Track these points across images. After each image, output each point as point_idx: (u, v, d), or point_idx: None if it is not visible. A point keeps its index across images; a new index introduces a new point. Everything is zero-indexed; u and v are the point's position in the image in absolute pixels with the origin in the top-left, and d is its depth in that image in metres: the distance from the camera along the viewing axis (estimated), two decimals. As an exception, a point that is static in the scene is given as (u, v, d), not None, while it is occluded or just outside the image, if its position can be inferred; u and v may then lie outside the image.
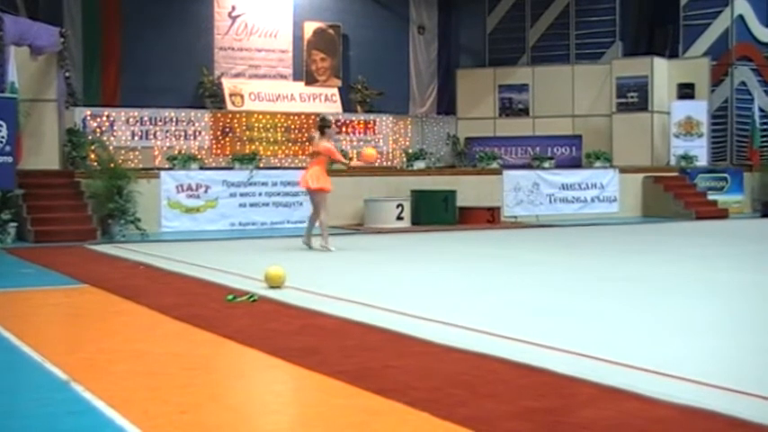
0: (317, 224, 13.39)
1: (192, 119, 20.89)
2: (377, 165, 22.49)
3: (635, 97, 23.42)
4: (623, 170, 21.69)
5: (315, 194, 13.22)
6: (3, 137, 15.00)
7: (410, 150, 22.06)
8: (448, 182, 19.71)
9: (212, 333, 6.74)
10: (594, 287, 9.39)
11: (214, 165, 20.07)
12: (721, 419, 4.33)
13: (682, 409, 4.49)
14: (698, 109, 23.17)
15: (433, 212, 18.58)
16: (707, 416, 4.38)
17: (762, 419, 4.26)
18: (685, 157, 22.47)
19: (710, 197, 21.90)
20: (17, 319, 7.65)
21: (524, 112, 25.01)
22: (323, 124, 13.60)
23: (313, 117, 21.97)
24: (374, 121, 23.16)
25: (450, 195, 18.92)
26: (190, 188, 17.53)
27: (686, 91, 23.47)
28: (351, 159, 13.79)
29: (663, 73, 23.66)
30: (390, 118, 23.52)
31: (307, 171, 13.52)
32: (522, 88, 25.04)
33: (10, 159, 15.14)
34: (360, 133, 22.84)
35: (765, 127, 23.72)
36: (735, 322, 7.20)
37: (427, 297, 8.61)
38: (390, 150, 23.29)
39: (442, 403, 4.65)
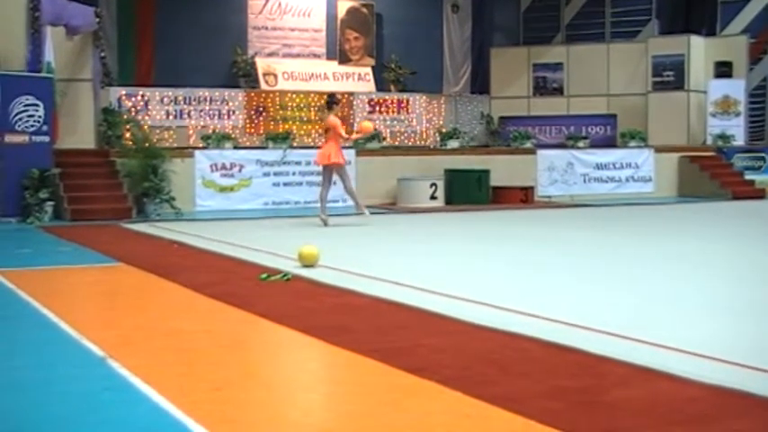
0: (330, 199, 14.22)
1: (226, 98, 20.96)
2: (411, 144, 22.51)
3: (671, 76, 23.18)
4: (658, 150, 21.50)
5: (330, 169, 13.94)
6: (39, 117, 15.16)
7: (443, 129, 22.02)
8: (481, 161, 19.65)
9: (246, 311, 6.79)
10: (627, 266, 9.34)
11: (248, 144, 20.16)
12: (753, 400, 4.31)
13: (714, 390, 4.47)
14: (735, 87, 22.88)
15: (467, 192, 18.53)
16: (739, 396, 4.37)
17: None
18: (722, 137, 22.22)
19: (747, 177, 21.64)
20: (55, 296, 7.75)
21: (559, 90, 24.84)
22: (330, 100, 14.40)
23: (346, 96, 22.02)
24: (407, 100, 23.11)
25: (483, 175, 18.87)
26: (224, 167, 17.61)
27: (723, 69, 23.18)
28: (350, 134, 14.65)
29: (700, 51, 23.38)
30: (424, 97, 23.46)
31: (321, 148, 14.30)
32: (557, 67, 24.86)
33: (47, 139, 15.32)
34: (393, 112, 22.80)
35: (804, 106, 23.43)
36: (764, 303, 7.15)
37: (459, 276, 8.61)
38: (424, 129, 23.25)
39: (474, 382, 4.67)
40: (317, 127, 21.62)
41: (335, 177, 14.13)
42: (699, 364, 4.94)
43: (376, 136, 19.97)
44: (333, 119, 13.95)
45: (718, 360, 5.04)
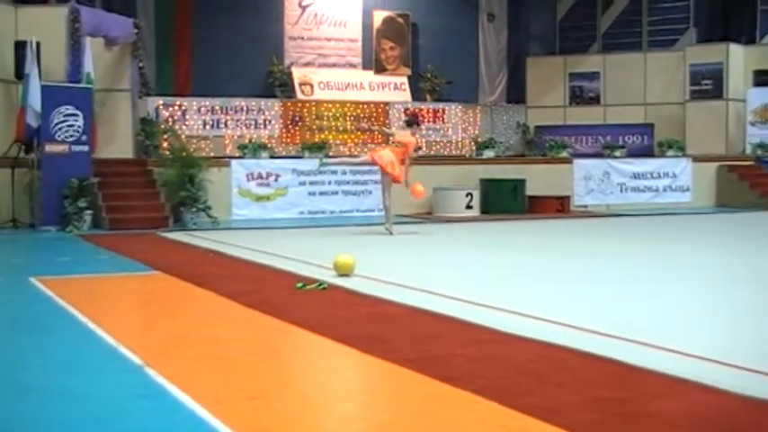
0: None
1: (263, 108, 21.09)
2: (447, 153, 22.47)
3: (709, 85, 23.00)
4: (696, 159, 21.32)
5: (384, 175, 13.98)
6: (79, 126, 15.33)
7: (479, 139, 21.98)
8: (517, 170, 19.60)
9: (281, 320, 6.80)
10: (666, 276, 9.26)
11: (284, 153, 20.24)
12: (795, 413, 4.25)
13: (753, 402, 4.41)
14: (775, 96, 22.64)
15: (503, 201, 18.49)
16: (780, 409, 4.31)
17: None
18: (762, 146, 22.00)
19: (787, 187, 21.39)
20: (92, 303, 7.82)
21: (595, 100, 24.73)
22: (412, 121, 14.82)
23: (382, 105, 22.06)
24: (443, 110, 23.12)
25: (519, 184, 18.81)
26: (260, 176, 17.70)
27: (763, 78, 22.96)
28: (400, 176, 14.01)
29: (739, 59, 23.18)
30: (459, 106, 23.45)
31: (380, 151, 14.35)
32: (593, 76, 24.76)
33: (86, 148, 15.48)
34: (429, 122, 22.80)
35: None
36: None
37: (494, 286, 8.58)
38: (460, 139, 23.22)
39: (510, 392, 4.64)
40: (353, 137, 21.68)
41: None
42: (736, 376, 4.88)
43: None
44: (411, 141, 14.13)
45: (756, 372, 4.97)
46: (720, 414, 4.27)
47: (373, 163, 14.19)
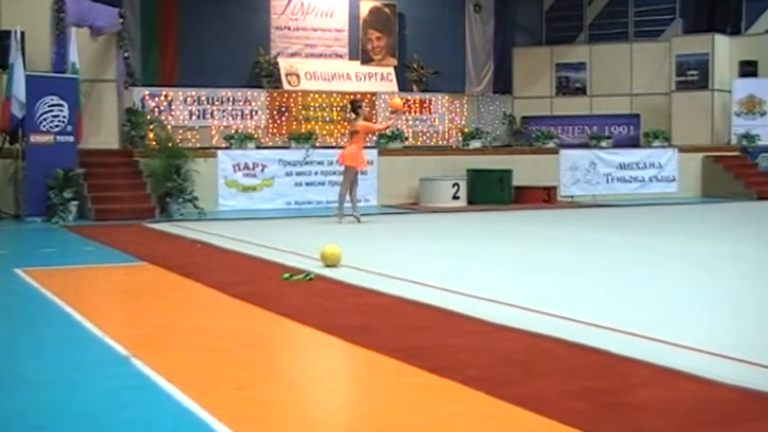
0: (348, 198, 14.49)
1: (249, 98, 21.02)
2: (433, 144, 22.47)
3: (695, 75, 23.04)
4: (682, 149, 21.39)
5: (347, 170, 14.39)
6: (64, 117, 15.26)
7: (466, 129, 21.98)
8: (504, 161, 19.61)
9: (269, 311, 6.80)
10: (654, 266, 9.29)
11: (270, 144, 20.20)
12: (780, 401, 4.28)
13: (740, 391, 4.44)
14: (761, 87, 22.71)
15: (489, 192, 18.50)
16: (763, 398, 4.33)
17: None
18: (747, 137, 22.06)
19: (772, 177, 21.49)
20: (79, 295, 7.80)
21: (581, 90, 24.75)
22: (354, 105, 14.84)
23: (369, 96, 22.02)
24: (430, 100, 23.09)
25: (505, 175, 18.83)
26: (246, 167, 17.66)
27: (748, 68, 23.02)
28: (384, 123, 14.95)
29: (724, 50, 23.23)
30: (446, 97, 23.43)
31: (345, 148, 14.64)
32: (580, 67, 24.78)
33: (71, 139, 15.41)
34: (415, 112, 22.78)
35: (830, 105, 23.19)
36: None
37: (481, 276, 8.60)
38: (446, 129, 23.22)
39: (497, 382, 4.65)
40: (339, 127, 21.65)
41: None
42: (724, 366, 4.90)
43: (398, 136, 19.96)
44: (362, 123, 14.44)
45: (743, 362, 5.00)
46: (706, 403, 4.29)
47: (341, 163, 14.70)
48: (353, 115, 14.77)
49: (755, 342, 5.59)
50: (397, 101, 15.78)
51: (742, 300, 7.23)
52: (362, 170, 14.87)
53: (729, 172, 21.00)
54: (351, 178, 14.35)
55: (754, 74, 22.94)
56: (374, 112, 22.08)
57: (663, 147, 21.46)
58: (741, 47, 23.42)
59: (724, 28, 23.86)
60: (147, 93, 19.95)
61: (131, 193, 15.99)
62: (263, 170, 17.78)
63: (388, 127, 15.93)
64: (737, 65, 23.21)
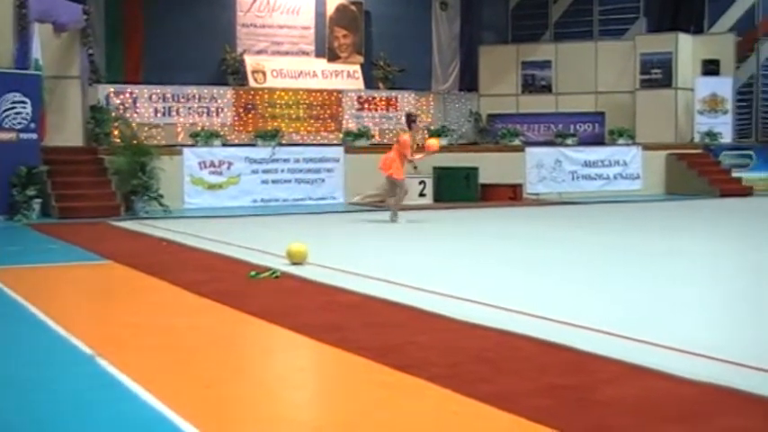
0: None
1: (215, 95, 20.91)
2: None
3: (659, 74, 23.24)
4: (646, 147, 21.56)
5: (388, 179, 14.32)
6: (27, 114, 15.11)
7: (432, 127, 22.01)
8: (470, 159, 19.66)
9: (235, 309, 6.77)
10: (616, 264, 9.36)
11: (236, 141, 20.11)
12: (745, 397, 4.32)
13: (705, 387, 4.47)
14: (723, 85, 22.96)
15: (455, 189, 18.55)
16: (731, 393, 4.37)
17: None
18: (709, 134, 22.30)
19: (735, 174, 21.72)
20: (42, 294, 7.72)
21: (547, 88, 24.87)
22: (409, 119, 14.83)
23: (335, 94, 21.99)
24: (396, 98, 23.09)
25: (472, 172, 18.88)
26: (212, 165, 17.58)
27: (711, 67, 23.26)
28: (416, 153, 14.53)
29: (687, 49, 23.45)
30: (412, 95, 23.44)
31: (387, 155, 14.40)
32: (545, 65, 24.89)
33: (34, 136, 15.26)
34: (382, 110, 22.78)
35: (791, 104, 23.52)
36: (760, 301, 7.15)
37: (448, 274, 8.61)
38: (412, 127, 23.19)
39: (464, 379, 4.66)
40: (305, 125, 21.60)
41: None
42: (690, 362, 4.94)
43: (365, 133, 19.97)
44: (407, 138, 14.24)
45: (709, 358, 5.04)
46: (673, 399, 4.32)
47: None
48: (407, 127, 14.69)
49: (720, 337, 5.64)
50: (434, 141, 15.24)
51: (705, 295, 7.30)
52: (400, 179, 14.28)
53: (692, 170, 21.21)
54: (393, 187, 14.34)
55: (716, 72, 23.19)
56: (340, 109, 22.05)
57: (627, 144, 21.63)
58: (704, 46, 23.65)
59: (687, 27, 24.08)
60: (111, 90, 19.78)
61: (96, 190, 15.87)
62: (229, 168, 17.71)
63: (418, 159, 15.05)
64: (700, 63, 23.43)
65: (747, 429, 3.93)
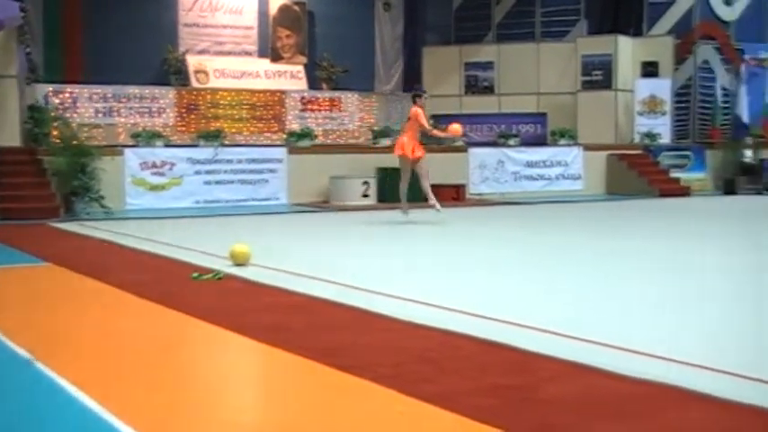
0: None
1: (157, 95, 20.71)
2: (343, 142, 22.45)
3: (599, 75, 23.53)
4: (588, 148, 21.82)
5: (407, 161, 13.96)
6: (-37, 113, 14.81)
7: (376, 128, 22.02)
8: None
9: (177, 311, 6.71)
10: (557, 263, 9.45)
11: (179, 142, 19.94)
12: (686, 394, 4.38)
13: (647, 385, 4.53)
14: (661, 87, 23.32)
15: (399, 190, 18.53)
16: (671, 390, 4.43)
17: (725, 393, 4.32)
18: (649, 135, 22.64)
19: (673, 175, 22.08)
20: (-21, 297, 7.58)
21: (490, 89, 25.04)
22: (415, 93, 14.43)
23: (278, 94, 21.91)
24: (339, 99, 23.08)
25: (415, 173, 18.88)
26: (154, 165, 17.41)
27: (650, 69, 23.62)
28: (435, 128, 14.26)
29: (627, 51, 23.77)
30: (356, 95, 23.44)
31: (400, 138, 14.29)
32: (488, 66, 25.06)
33: (-30, 136, 14.97)
34: (325, 110, 22.75)
35: (727, 105, 23.93)
36: (700, 299, 7.26)
37: (392, 274, 8.62)
38: (356, 128, 23.23)
39: (408, 380, 4.67)
40: (248, 125, 21.50)
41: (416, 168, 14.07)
42: (631, 360, 5.00)
43: (308, 134, 19.94)
44: (415, 109, 13.95)
45: (649, 355, 5.11)
46: (613, 397, 4.37)
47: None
48: (412, 103, 14.31)
49: (660, 335, 5.72)
50: (458, 126, 14.86)
51: (645, 294, 7.40)
52: (416, 157, 13.98)
53: (632, 170, 21.51)
54: (405, 167, 14.03)
55: (655, 74, 23.55)
56: (284, 110, 21.98)
57: (569, 145, 21.86)
58: (643, 48, 24.00)
59: (627, 29, 24.41)
60: (50, 89, 19.49)
61: (35, 192, 15.62)
62: (171, 168, 17.56)
63: (437, 135, 15.08)
64: (640, 65, 23.77)
65: (686, 426, 3.99)
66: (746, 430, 3.94)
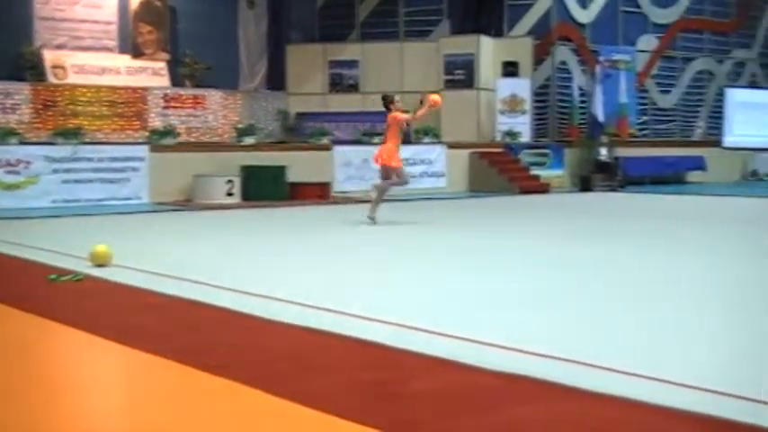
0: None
1: (11, 91, 19.97)
2: (207, 140, 22.18)
3: (462, 74, 23.93)
4: (451, 146, 22.16)
5: (386, 168, 13.72)
6: None
7: (240, 125, 21.84)
8: (279, 157, 19.62)
9: (33, 314, 6.51)
10: (420, 259, 9.58)
11: (35, 140, 19.28)
12: (540, 384, 4.51)
13: (506, 377, 4.65)
14: (521, 87, 23.89)
15: (264, 188, 18.50)
16: (529, 382, 4.56)
17: (574, 381, 4.47)
18: (510, 134, 23.16)
19: (533, 172, 22.65)
20: None
21: (354, 87, 25.14)
22: (386, 100, 13.90)
23: (140, 91, 21.48)
24: (203, 96, 22.78)
25: (280, 171, 18.88)
26: (9, 164, 16.81)
27: (510, 69, 24.15)
28: (415, 112, 13.85)
29: (488, 51, 24.25)
30: (220, 93, 23.18)
31: (382, 147, 13.92)
32: (352, 64, 25.16)
33: None
34: (189, 108, 22.41)
35: (584, 105, 24.68)
36: (558, 293, 7.48)
37: (254, 272, 8.58)
38: (220, 125, 22.97)
39: (273, 379, 4.66)
40: (109, 122, 20.99)
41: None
42: (490, 353, 5.12)
43: (170, 132, 19.61)
44: (393, 115, 13.64)
45: (509, 349, 5.23)
46: (474, 390, 4.47)
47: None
48: (387, 111, 13.78)
49: (519, 329, 5.86)
50: (436, 97, 14.22)
51: (506, 289, 7.57)
52: (391, 166, 13.64)
53: (494, 167, 21.96)
54: (386, 175, 13.81)
55: (515, 74, 24.09)
56: (146, 107, 21.56)
57: (433, 143, 22.16)
58: (504, 48, 24.51)
59: (488, 30, 24.90)
60: None
61: None
62: (27, 167, 16.98)
63: (422, 115, 14.21)
64: (501, 65, 24.30)
65: (533, 418, 4.10)
66: (596, 419, 4.09)
